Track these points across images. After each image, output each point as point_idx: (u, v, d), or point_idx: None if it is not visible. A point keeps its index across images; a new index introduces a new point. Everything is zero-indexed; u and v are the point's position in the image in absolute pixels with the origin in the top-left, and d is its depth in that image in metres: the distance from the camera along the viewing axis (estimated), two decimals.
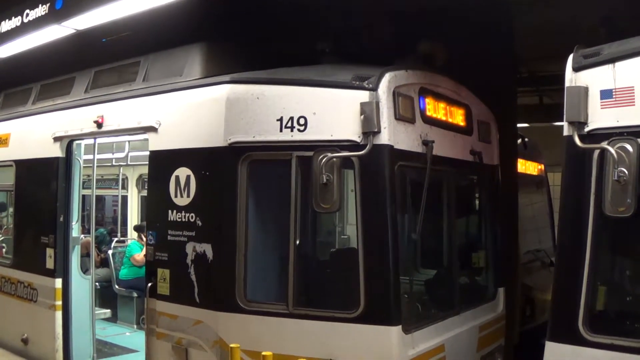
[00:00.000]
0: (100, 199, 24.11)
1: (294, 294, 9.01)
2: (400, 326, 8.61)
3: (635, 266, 7.76)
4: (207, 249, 9.65)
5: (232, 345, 7.71)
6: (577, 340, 7.10)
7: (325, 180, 8.46)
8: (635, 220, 6.85)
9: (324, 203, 8.57)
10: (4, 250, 16.77)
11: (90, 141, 12.91)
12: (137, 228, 18.40)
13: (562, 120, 7.26)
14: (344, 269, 9.54)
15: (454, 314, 10.30)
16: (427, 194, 9.04)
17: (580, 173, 7.20)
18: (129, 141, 15.93)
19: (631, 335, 7.03)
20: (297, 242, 9.19)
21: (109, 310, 16.07)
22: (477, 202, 12.27)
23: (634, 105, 6.85)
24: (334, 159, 8.51)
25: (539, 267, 16.15)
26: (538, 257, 16.30)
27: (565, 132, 7.24)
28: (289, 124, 9.02)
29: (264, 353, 7.31)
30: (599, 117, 7.05)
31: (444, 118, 10.16)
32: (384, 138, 8.61)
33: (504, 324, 11.84)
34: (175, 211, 10.09)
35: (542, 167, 17.59)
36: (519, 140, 14.90)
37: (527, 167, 16.37)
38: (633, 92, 6.84)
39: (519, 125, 15.82)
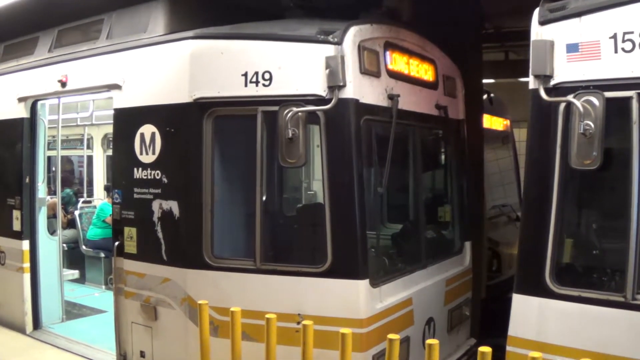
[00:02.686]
0: (68, 160, 23.94)
1: (261, 250, 9.00)
2: (367, 280, 8.66)
3: (601, 219, 7.82)
4: (173, 206, 9.62)
5: (200, 302, 7.72)
6: (544, 292, 7.16)
7: (290, 135, 8.42)
8: (601, 172, 6.89)
9: (290, 158, 8.53)
10: None
11: (55, 101, 12.87)
12: (107, 188, 18.22)
13: (528, 76, 7.27)
14: (310, 224, 9.52)
15: (421, 268, 10.38)
16: (392, 148, 9.05)
17: (546, 126, 7.23)
18: (93, 100, 15.83)
19: (597, 287, 7.12)
20: (264, 197, 9.17)
21: (77, 271, 16.04)
22: (443, 156, 12.32)
23: (600, 59, 6.86)
24: (300, 114, 8.48)
25: (506, 222, 16.27)
26: (504, 212, 16.42)
27: (531, 86, 7.25)
28: (254, 79, 8.95)
29: (232, 309, 7.32)
30: (565, 70, 7.06)
31: (409, 72, 10.14)
32: (349, 92, 8.58)
33: (471, 278, 11.96)
34: (140, 169, 10.03)
35: (508, 122, 17.63)
36: (485, 96, 14.90)
37: (493, 122, 16.38)
38: (599, 46, 6.85)
39: (484, 80, 15.81)
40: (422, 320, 10.05)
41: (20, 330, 12.85)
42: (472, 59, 13.27)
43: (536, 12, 7.33)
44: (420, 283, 10.12)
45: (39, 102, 12.76)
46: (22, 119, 12.77)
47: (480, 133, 13.69)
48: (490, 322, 11.72)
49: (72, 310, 14.30)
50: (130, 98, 10.37)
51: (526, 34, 7.43)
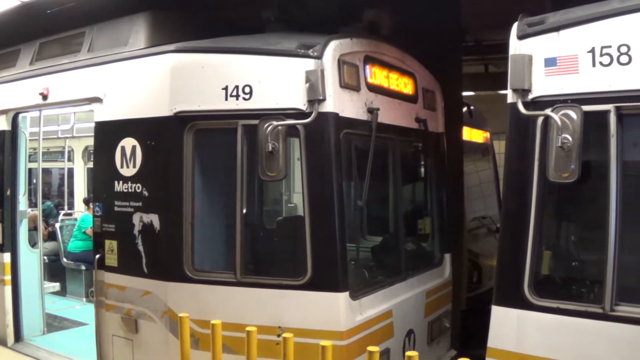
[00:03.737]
0: (47, 172, 23.88)
1: (242, 263, 9.04)
2: (347, 292, 8.69)
3: (579, 231, 7.87)
4: (154, 219, 9.64)
5: (181, 314, 7.70)
6: (522, 304, 7.21)
7: (270, 149, 8.45)
8: (578, 185, 6.94)
9: (270, 171, 8.56)
10: None
11: (36, 113, 12.85)
12: (86, 200, 18.22)
13: (507, 89, 7.32)
14: (291, 236, 9.61)
15: (400, 280, 10.40)
16: (372, 161, 9.12)
17: (524, 140, 7.29)
18: (74, 113, 15.80)
19: (576, 299, 7.16)
20: (244, 210, 9.20)
21: (58, 284, 16.03)
22: (422, 169, 12.37)
23: (577, 73, 6.93)
24: (280, 127, 8.51)
25: (485, 233, 16.31)
26: (484, 224, 16.47)
27: (510, 100, 7.31)
28: (234, 93, 8.99)
29: (212, 322, 7.31)
30: (543, 84, 7.12)
31: (388, 86, 10.21)
32: (329, 106, 8.63)
33: (451, 290, 12.00)
34: (121, 182, 10.05)
35: (487, 134, 17.70)
36: (465, 108, 14.98)
37: (472, 134, 16.44)
38: (577, 60, 6.92)
39: (464, 93, 15.89)
40: (402, 332, 10.08)
41: (2, 342, 12.80)
42: (452, 71, 13.34)
43: (515, 27, 7.40)
44: (400, 295, 10.15)
45: (20, 115, 12.73)
46: (3, 132, 12.73)
47: (460, 145, 13.76)
48: (471, 334, 11.78)
49: (53, 323, 14.26)
50: (111, 111, 10.38)
51: (506, 46, 7.49)
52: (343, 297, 8.63)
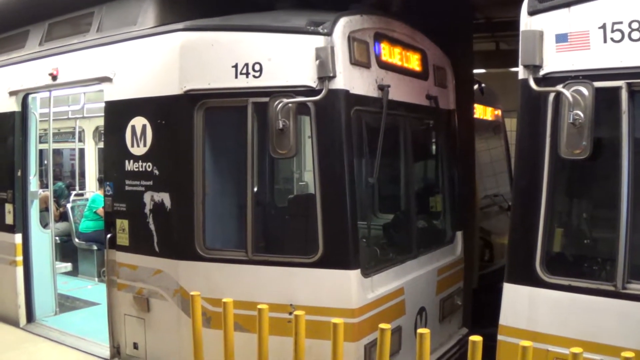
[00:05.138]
0: (58, 153, 23.89)
1: (253, 241, 9.04)
2: (359, 270, 8.70)
3: (591, 208, 7.84)
4: (165, 198, 9.65)
5: (192, 293, 7.70)
6: (534, 281, 7.19)
7: (281, 126, 8.43)
8: (590, 162, 6.91)
9: (281, 149, 8.54)
10: None
11: (46, 94, 12.85)
12: (100, 180, 18.15)
13: (518, 66, 7.28)
14: (302, 214, 9.55)
15: (412, 258, 10.41)
16: (383, 138, 9.06)
17: (535, 116, 7.25)
18: (84, 93, 15.80)
19: (587, 276, 7.14)
20: (255, 188, 9.22)
21: (69, 264, 16.04)
22: (434, 146, 12.33)
23: (589, 49, 6.88)
24: (290, 105, 8.49)
25: (497, 211, 16.28)
26: (496, 202, 16.42)
27: (521, 76, 7.27)
28: (244, 71, 8.97)
29: (224, 300, 7.32)
30: (554, 60, 7.08)
31: (399, 63, 10.17)
32: (339, 83, 8.60)
33: (463, 267, 11.99)
34: (132, 161, 10.06)
35: (499, 112, 17.63)
36: (476, 86, 14.91)
37: (484, 112, 16.38)
38: (588, 36, 6.87)
39: (475, 70, 15.81)
40: (414, 310, 10.08)
41: (14, 323, 12.85)
42: (462, 49, 13.25)
43: (525, 3, 7.34)
44: (411, 273, 10.15)
45: (30, 96, 12.74)
46: (13, 113, 12.76)
47: (471, 123, 13.69)
48: (482, 312, 11.76)
49: (65, 303, 14.27)
50: (121, 91, 10.38)
51: (517, 24, 7.44)
52: (355, 274, 8.64)
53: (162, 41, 9.96)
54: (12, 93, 12.76)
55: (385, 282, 9.37)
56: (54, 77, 11.72)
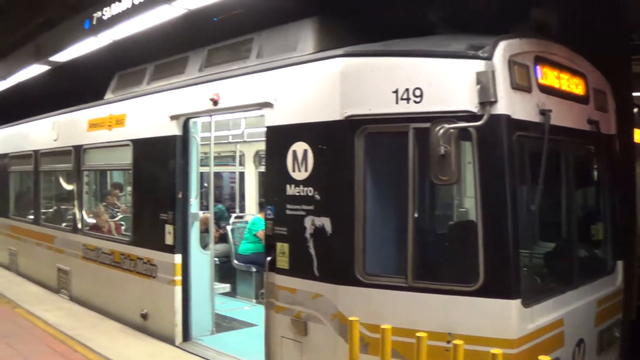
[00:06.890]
0: (218, 176, 24.40)
1: (413, 267, 8.99)
2: (520, 300, 8.54)
3: None
4: (325, 222, 9.71)
5: (351, 318, 7.74)
6: None
7: (443, 152, 8.32)
8: None
9: (442, 175, 8.42)
10: (122, 228, 17.22)
11: (207, 119, 13.15)
12: (261, 204, 18.43)
13: None
14: (462, 241, 9.47)
15: (572, 288, 10.16)
16: (545, 164, 8.90)
17: None
18: (245, 118, 16.07)
19: None
20: (416, 214, 9.13)
21: (228, 285, 16.26)
22: (595, 172, 12.05)
23: None
24: (452, 130, 8.38)
25: None
26: None
27: None
28: (405, 96, 8.97)
29: (382, 326, 7.32)
30: None
31: (560, 86, 10.00)
32: (501, 108, 8.51)
33: (622, 298, 11.67)
34: (293, 185, 10.18)
35: None
36: (636, 110, 14.59)
37: None
38: None
39: (634, 94, 15.48)
40: (573, 341, 9.85)
41: (170, 341, 13.17)
42: (621, 71, 13.00)
43: None
44: (571, 303, 9.92)
45: (191, 120, 13.09)
46: (174, 136, 13.12)
47: (632, 148, 13.38)
48: None
49: (222, 323, 14.55)
50: (282, 116, 10.54)
51: None
52: (515, 304, 8.49)
53: (323, 67, 10.06)
54: (173, 117, 13.13)
55: (545, 313, 9.18)
56: (215, 102, 11.99)
